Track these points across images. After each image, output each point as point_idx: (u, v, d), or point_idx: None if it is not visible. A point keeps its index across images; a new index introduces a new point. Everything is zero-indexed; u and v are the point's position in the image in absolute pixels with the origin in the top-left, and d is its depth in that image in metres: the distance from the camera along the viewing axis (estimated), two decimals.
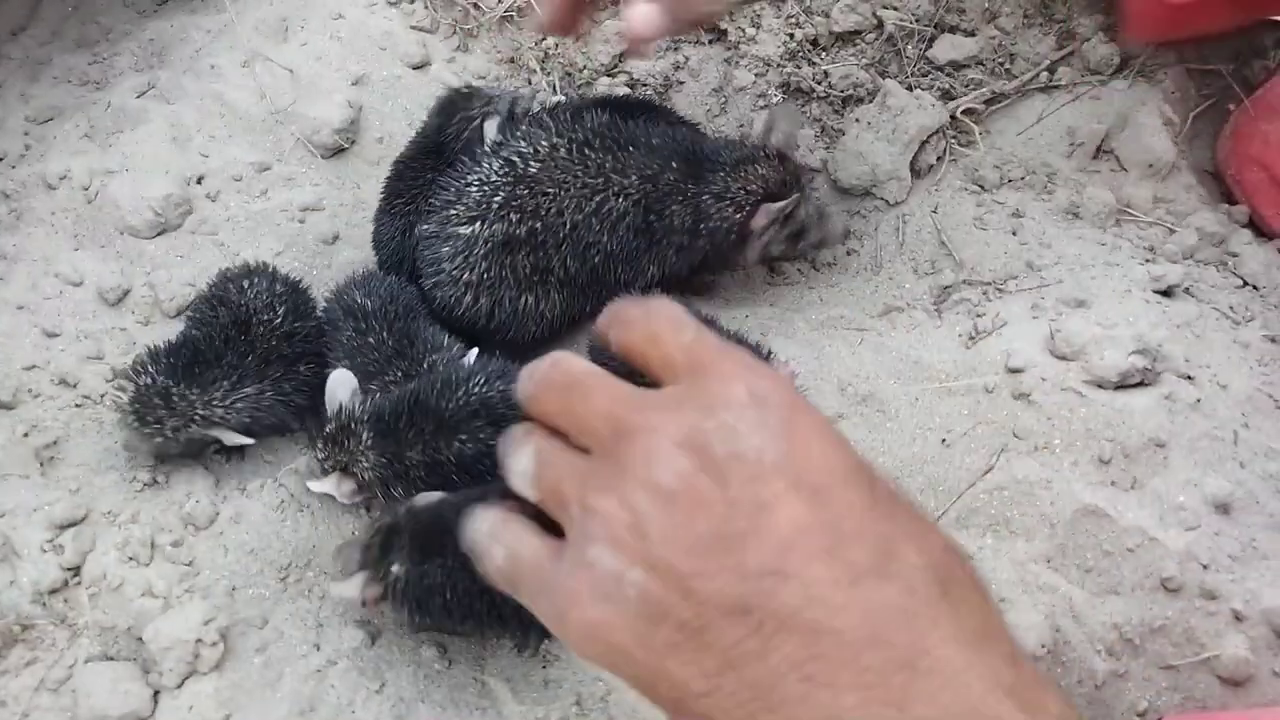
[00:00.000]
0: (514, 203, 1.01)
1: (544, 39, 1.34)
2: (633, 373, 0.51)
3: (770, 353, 0.96)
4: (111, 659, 0.87)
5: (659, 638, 0.44)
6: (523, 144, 1.03)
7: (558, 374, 0.50)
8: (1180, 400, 0.90)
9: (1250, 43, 1.30)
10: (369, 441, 0.91)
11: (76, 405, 1.04)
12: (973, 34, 1.28)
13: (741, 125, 1.25)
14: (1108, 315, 0.94)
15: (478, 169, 1.03)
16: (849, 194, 1.18)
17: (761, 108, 1.25)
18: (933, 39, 1.28)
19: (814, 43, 1.30)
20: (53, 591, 0.90)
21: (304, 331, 1.01)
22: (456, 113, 1.12)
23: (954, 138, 1.18)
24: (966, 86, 1.24)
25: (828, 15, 1.30)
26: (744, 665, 0.43)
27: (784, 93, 1.27)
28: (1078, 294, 0.99)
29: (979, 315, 1.01)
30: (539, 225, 1.01)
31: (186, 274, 1.14)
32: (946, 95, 1.23)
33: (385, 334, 1.01)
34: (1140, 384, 0.90)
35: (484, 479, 0.89)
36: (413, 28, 1.34)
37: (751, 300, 1.17)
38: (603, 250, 1.04)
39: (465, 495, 0.82)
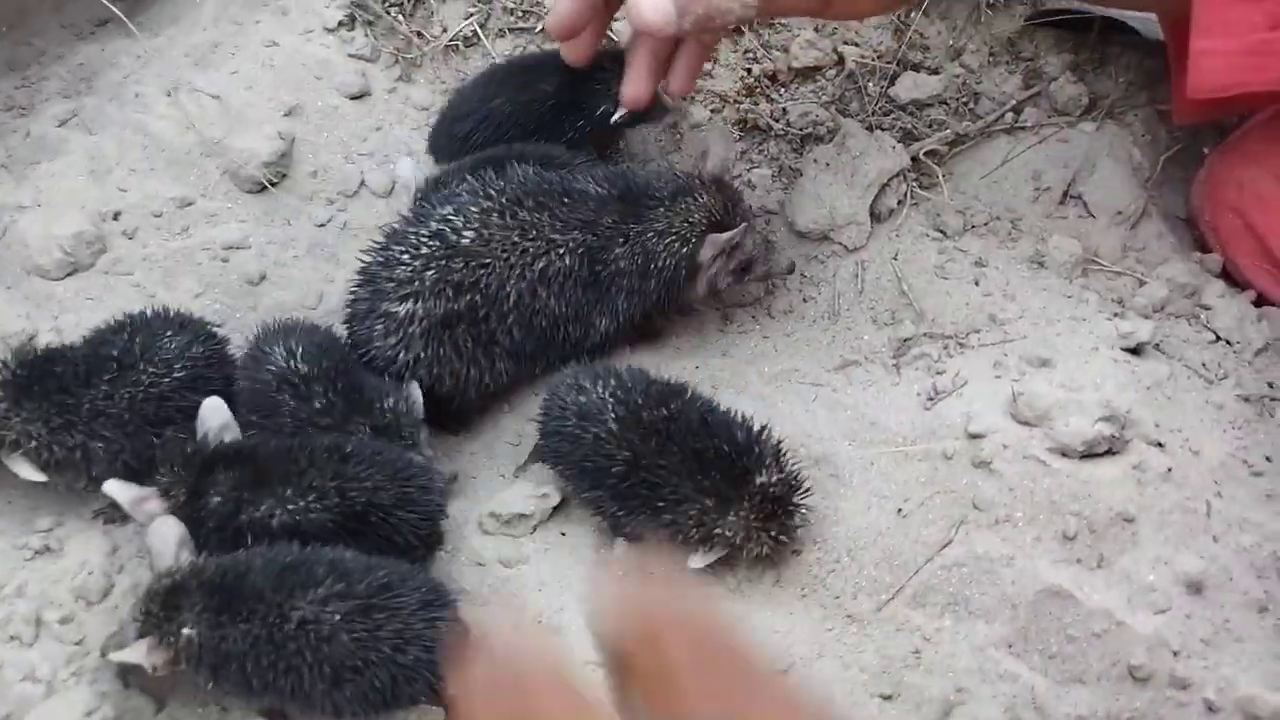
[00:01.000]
0: (450, 278, 0.96)
1: (493, 63, 1.29)
2: None
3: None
4: None
5: None
6: (450, 210, 0.97)
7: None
8: (1150, 470, 0.85)
9: None
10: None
11: None
12: (936, 72, 1.24)
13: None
14: (1073, 376, 0.89)
15: (404, 238, 0.98)
16: (806, 238, 1.13)
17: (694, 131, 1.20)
18: (895, 76, 1.23)
19: (772, 78, 1.26)
20: None
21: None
22: None
23: (916, 180, 1.14)
24: (929, 127, 1.19)
25: (787, 50, 1.26)
26: None
27: (739, 130, 1.22)
28: (1042, 351, 0.94)
29: (939, 373, 0.96)
30: (479, 299, 0.96)
31: (97, 318, 1.05)
32: (909, 136, 1.19)
33: (331, 395, 0.94)
34: (1108, 452, 0.85)
35: None
36: (351, 56, 1.28)
37: (703, 349, 1.11)
38: (549, 314, 0.99)
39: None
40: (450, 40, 1.30)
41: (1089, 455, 0.84)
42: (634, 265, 1.01)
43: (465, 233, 0.97)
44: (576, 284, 0.99)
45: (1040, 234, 1.10)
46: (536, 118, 1.12)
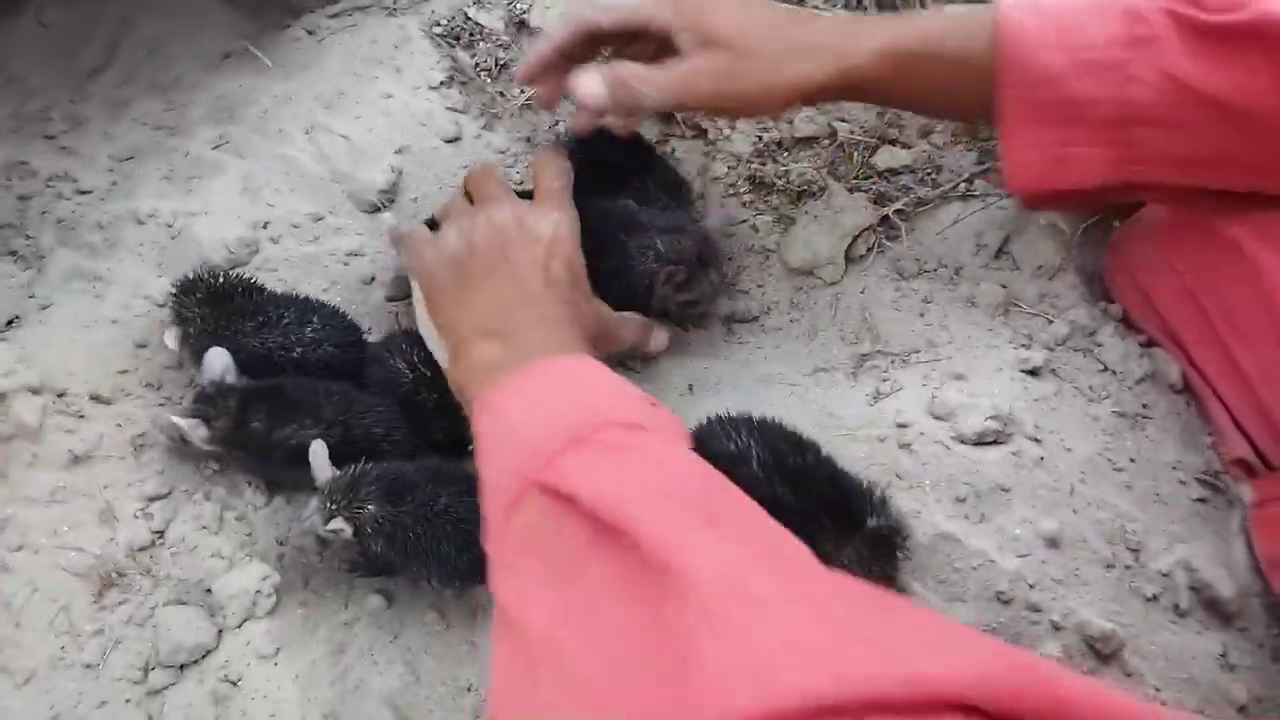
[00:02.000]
0: None
1: (557, 123, 1.61)
2: None
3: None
4: (185, 604, 1.12)
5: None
6: None
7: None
8: (1026, 456, 1.15)
9: None
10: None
11: (159, 405, 1.30)
12: (909, 147, 1.55)
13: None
14: (978, 388, 1.20)
15: None
16: (796, 272, 1.45)
17: (729, 197, 1.52)
18: (875, 148, 1.55)
19: (778, 144, 1.57)
20: (141, 549, 1.15)
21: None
22: None
23: (883, 233, 1.45)
24: (899, 190, 1.51)
25: (791, 123, 1.57)
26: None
27: (749, 184, 1.54)
28: (960, 369, 1.24)
29: (884, 380, 1.27)
30: None
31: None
32: (882, 197, 1.49)
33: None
34: (994, 442, 1.16)
35: None
36: (448, 108, 1.61)
37: (712, 355, 1.42)
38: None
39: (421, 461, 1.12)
40: (526, 100, 1.63)
41: (980, 443, 1.15)
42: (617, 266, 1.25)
43: None
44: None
45: (975, 280, 1.40)
46: None
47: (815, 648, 0.51)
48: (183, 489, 1.19)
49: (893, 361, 1.31)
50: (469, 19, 1.71)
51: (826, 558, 0.95)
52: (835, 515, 0.99)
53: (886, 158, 1.54)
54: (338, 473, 1.06)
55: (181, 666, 1.08)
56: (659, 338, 1.33)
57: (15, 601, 1.09)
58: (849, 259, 1.43)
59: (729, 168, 1.56)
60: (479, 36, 1.70)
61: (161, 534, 1.16)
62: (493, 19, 1.71)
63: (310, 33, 1.71)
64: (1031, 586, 1.09)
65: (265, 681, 1.07)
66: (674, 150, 1.58)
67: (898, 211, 1.48)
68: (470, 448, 0.91)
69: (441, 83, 1.62)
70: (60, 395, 1.24)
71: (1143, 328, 1.39)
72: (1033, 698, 0.47)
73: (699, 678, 0.52)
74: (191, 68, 1.73)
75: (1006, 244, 1.44)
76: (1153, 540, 1.17)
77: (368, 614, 1.13)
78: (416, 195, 1.55)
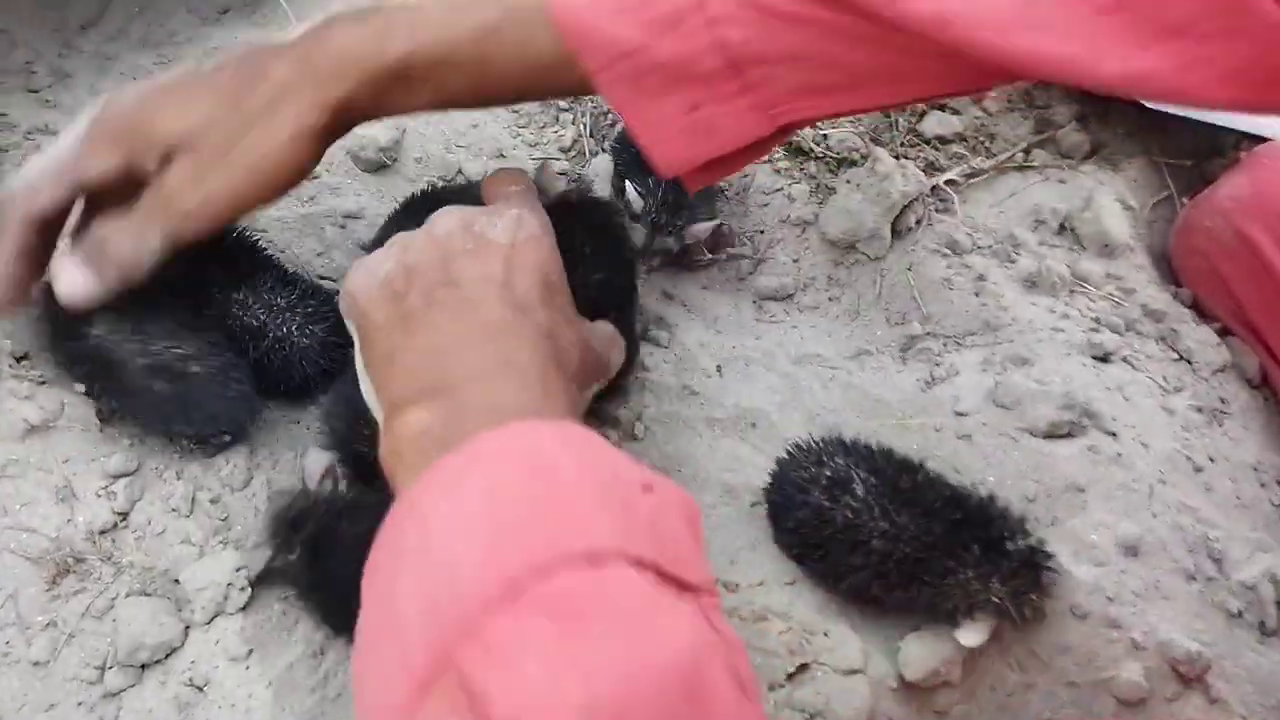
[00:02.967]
0: None
1: None
2: None
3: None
4: (148, 595, 1.00)
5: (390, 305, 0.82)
6: None
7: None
8: (1102, 452, 1.02)
9: (1213, 141, 1.45)
10: None
11: None
12: (959, 113, 1.43)
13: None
14: (1046, 374, 1.07)
15: None
16: (836, 246, 1.32)
17: (763, 163, 1.39)
18: (923, 114, 1.42)
19: None
20: (102, 532, 1.03)
21: None
22: None
23: (933, 205, 1.32)
24: (950, 160, 1.38)
25: None
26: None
27: (784, 150, 1.41)
28: (1024, 354, 1.12)
29: (937, 364, 1.14)
30: None
31: None
32: (931, 166, 1.37)
33: None
34: (1067, 435, 1.03)
35: None
36: None
37: (739, 332, 1.30)
38: None
39: None
40: None
41: (1051, 435, 1.02)
42: None
43: None
44: None
45: (1036, 258, 1.27)
46: None
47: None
48: (152, 466, 1.07)
49: (945, 344, 1.19)
50: None
51: (969, 594, 0.86)
52: (971, 541, 0.85)
53: (935, 124, 1.41)
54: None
55: (142, 666, 0.96)
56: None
57: None
58: (895, 232, 1.30)
59: None
60: None
61: (125, 516, 1.03)
62: None
63: None
64: (1110, 600, 0.97)
65: (235, 687, 0.94)
66: None
67: (949, 181, 1.35)
68: None
69: None
70: (20, 359, 1.11)
71: (1215, 314, 1.28)
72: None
73: None
74: (187, 22, 1.63)
75: (1069, 220, 1.32)
76: (1234, 549, 1.05)
77: None
78: (420, 156, 1.42)
